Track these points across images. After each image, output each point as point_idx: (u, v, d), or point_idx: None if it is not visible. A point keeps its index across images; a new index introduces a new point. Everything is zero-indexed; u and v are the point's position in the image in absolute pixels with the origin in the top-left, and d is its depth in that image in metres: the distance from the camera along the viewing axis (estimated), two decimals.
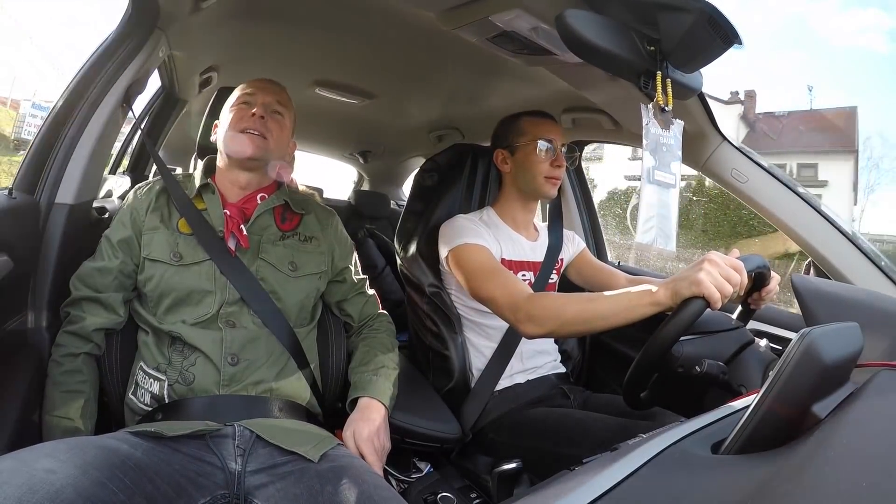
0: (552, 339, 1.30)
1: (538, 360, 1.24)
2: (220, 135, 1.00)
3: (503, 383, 1.18)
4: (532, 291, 1.00)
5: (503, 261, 1.17)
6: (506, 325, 1.16)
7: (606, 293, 0.88)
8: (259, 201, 0.99)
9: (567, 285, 1.36)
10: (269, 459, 0.78)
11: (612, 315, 0.84)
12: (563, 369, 1.29)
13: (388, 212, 2.96)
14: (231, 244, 0.94)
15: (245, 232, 0.95)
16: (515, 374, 1.20)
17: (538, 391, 1.20)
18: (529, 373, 1.21)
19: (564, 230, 1.37)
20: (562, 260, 1.32)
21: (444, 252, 1.15)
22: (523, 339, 1.16)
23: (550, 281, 1.26)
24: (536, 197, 1.25)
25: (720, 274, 0.74)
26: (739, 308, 0.97)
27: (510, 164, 1.22)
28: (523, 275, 1.22)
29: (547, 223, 1.37)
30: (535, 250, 1.26)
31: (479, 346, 1.20)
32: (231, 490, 0.74)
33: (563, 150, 1.20)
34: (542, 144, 1.17)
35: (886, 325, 0.70)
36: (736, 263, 0.77)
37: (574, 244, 1.37)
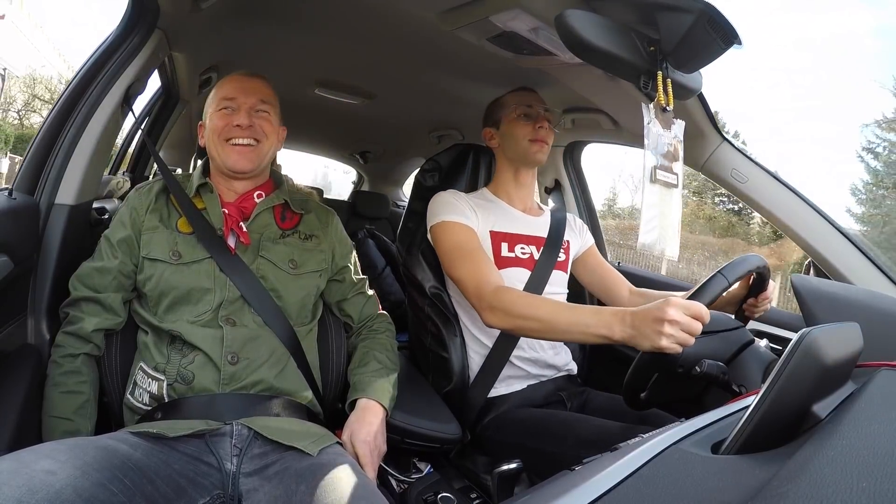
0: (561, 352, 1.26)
1: (546, 372, 1.22)
2: (207, 140, 0.99)
3: (501, 387, 1.17)
4: (502, 283, 1.01)
5: (492, 233, 1.17)
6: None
7: (571, 306, 0.91)
8: (256, 199, 0.99)
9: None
10: (262, 460, 0.78)
11: (566, 333, 0.88)
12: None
13: (388, 212, 2.97)
14: (231, 242, 0.94)
15: (245, 228, 0.95)
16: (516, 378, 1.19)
17: (539, 392, 1.19)
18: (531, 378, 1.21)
19: (575, 218, 1.37)
20: (568, 242, 1.28)
21: (428, 226, 1.17)
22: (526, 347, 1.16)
23: (560, 259, 1.23)
24: (525, 163, 1.23)
25: (681, 329, 0.75)
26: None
27: (497, 138, 1.25)
28: (522, 248, 1.20)
29: (550, 207, 1.36)
30: (534, 226, 1.25)
31: (476, 346, 1.20)
32: (225, 491, 0.75)
33: (545, 112, 1.21)
34: (521, 109, 1.19)
35: (886, 325, 0.70)
36: (697, 310, 0.76)
37: (583, 236, 1.35)
